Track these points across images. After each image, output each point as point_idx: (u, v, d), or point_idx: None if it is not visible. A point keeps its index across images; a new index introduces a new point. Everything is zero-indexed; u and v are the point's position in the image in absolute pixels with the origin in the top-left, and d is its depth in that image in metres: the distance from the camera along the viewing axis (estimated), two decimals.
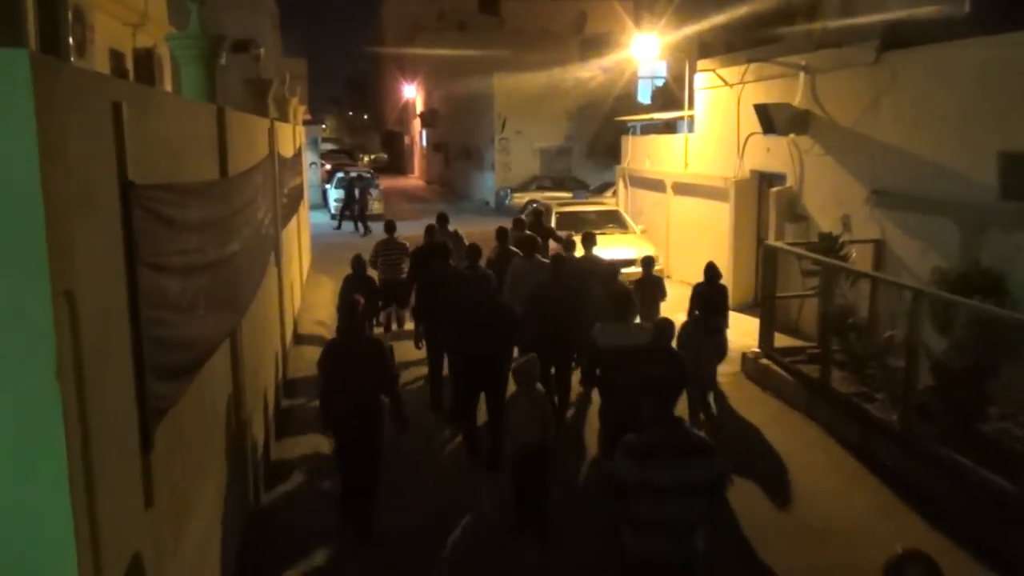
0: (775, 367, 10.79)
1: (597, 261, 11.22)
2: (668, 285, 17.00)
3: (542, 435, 6.80)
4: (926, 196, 10.42)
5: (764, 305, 11.67)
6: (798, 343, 11.59)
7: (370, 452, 6.71)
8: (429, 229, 12.69)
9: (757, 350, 11.37)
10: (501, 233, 11.88)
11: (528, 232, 12.76)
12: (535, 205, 20.66)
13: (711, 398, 9.63)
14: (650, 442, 4.62)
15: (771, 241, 12.54)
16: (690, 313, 10.14)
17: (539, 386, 7.07)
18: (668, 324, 7.86)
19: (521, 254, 10.85)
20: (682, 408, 8.35)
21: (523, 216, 16.78)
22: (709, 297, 9.84)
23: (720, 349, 9.66)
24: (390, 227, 13.55)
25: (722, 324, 9.87)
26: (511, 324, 8.39)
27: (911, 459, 7.90)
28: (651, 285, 11.57)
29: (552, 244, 13.93)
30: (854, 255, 11.26)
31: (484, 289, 8.56)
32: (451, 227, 13.81)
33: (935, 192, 10.26)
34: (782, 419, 9.85)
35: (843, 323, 10.16)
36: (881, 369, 9.36)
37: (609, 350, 7.42)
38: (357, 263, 11.61)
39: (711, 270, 10.16)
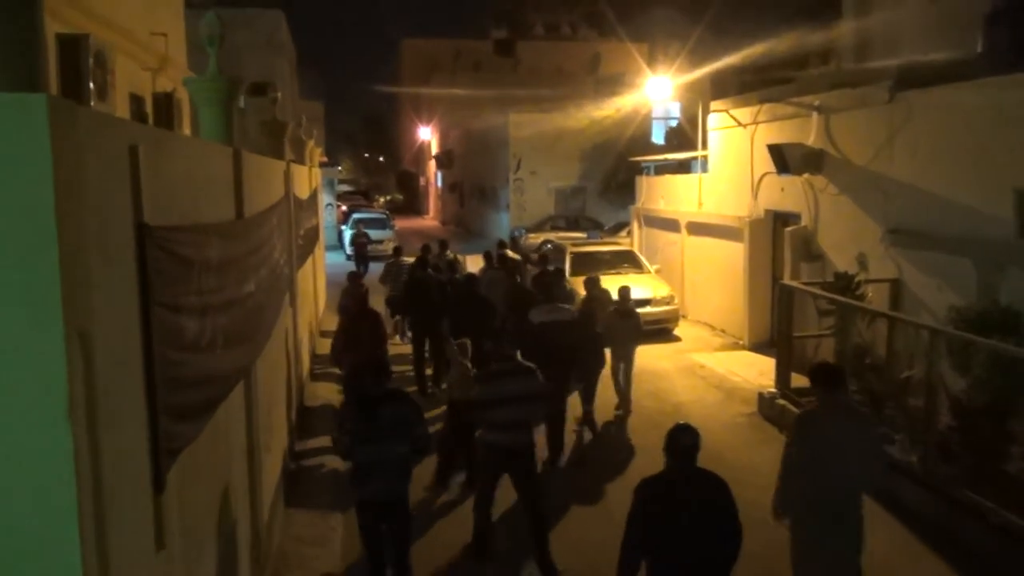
0: (792, 408, 10.68)
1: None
2: (683, 325, 17.07)
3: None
4: (942, 234, 10.38)
5: (780, 345, 11.59)
6: None
7: (399, 536, 6.57)
8: (424, 248, 14.97)
9: (773, 390, 11.27)
10: (487, 255, 15.43)
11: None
12: (550, 245, 20.71)
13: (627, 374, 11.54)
14: (490, 372, 7.59)
15: (786, 280, 12.49)
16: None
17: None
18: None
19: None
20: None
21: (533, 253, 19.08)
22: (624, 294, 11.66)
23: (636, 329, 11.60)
24: (397, 251, 16.61)
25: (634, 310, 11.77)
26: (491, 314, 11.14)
27: (932, 500, 7.78)
28: (626, 317, 11.54)
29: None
30: (870, 294, 11.19)
31: (465, 288, 12.05)
32: (449, 253, 16.62)
33: (951, 230, 10.21)
34: None
35: (861, 363, 10.06)
36: (900, 409, 9.26)
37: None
38: (351, 277, 13.19)
39: (623, 290, 11.73)
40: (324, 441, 9.20)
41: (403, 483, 6.50)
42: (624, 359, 11.62)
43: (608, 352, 11.24)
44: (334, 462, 9.06)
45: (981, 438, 7.85)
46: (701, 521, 4.80)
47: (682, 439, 4.90)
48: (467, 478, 8.97)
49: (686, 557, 4.76)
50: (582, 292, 13.28)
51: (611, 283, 13.68)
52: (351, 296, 12.18)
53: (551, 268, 14.77)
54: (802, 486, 5.76)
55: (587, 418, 10.77)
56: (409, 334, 13.74)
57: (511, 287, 13.57)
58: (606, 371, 11.23)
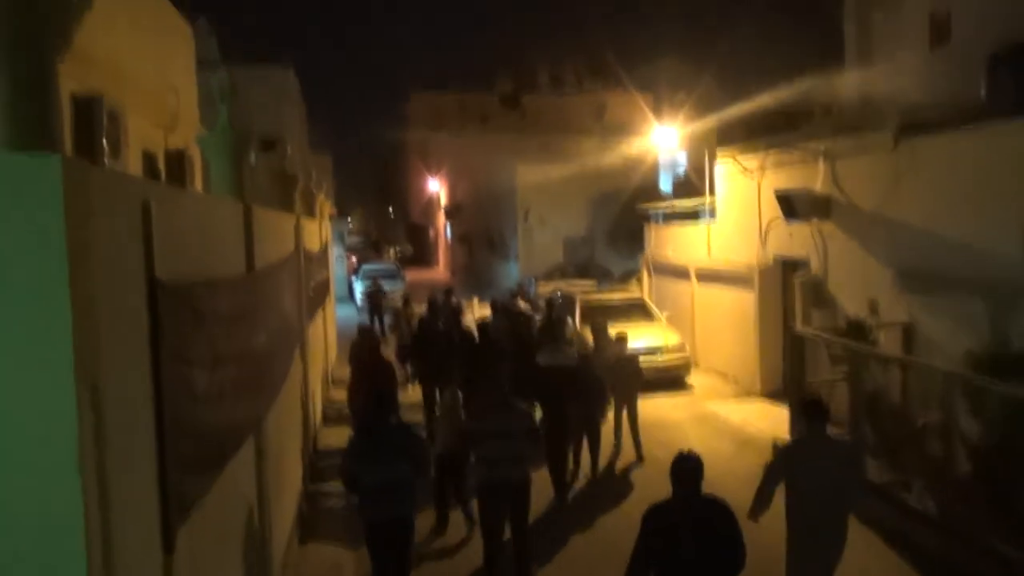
0: None
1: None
2: (695, 373, 16.96)
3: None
4: (953, 277, 10.35)
5: (793, 392, 11.50)
6: (830, 430, 11.36)
7: (401, 555, 7.03)
8: (431, 299, 15.80)
9: (788, 439, 11.15)
10: (493, 303, 16.47)
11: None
12: (559, 294, 20.72)
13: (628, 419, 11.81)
14: (481, 405, 8.05)
15: (798, 327, 12.44)
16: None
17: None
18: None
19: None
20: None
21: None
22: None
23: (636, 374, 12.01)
24: (407, 301, 17.86)
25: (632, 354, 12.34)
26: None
27: (952, 547, 7.64)
28: (624, 364, 11.97)
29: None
30: (883, 339, 11.13)
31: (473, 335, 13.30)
32: (454, 299, 17.13)
33: (962, 273, 10.18)
34: None
35: (875, 409, 9.97)
36: (917, 455, 9.14)
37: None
38: (361, 330, 13.39)
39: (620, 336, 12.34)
40: (337, 485, 9.35)
41: (407, 505, 6.99)
42: (627, 404, 11.87)
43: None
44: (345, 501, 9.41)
45: (1000, 482, 7.74)
46: (705, 545, 5.06)
47: (685, 465, 5.19)
48: (463, 517, 9.36)
49: None
50: (591, 339, 13.56)
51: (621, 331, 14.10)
52: (362, 347, 12.34)
53: (554, 316, 15.22)
54: (791, 508, 6.48)
55: (578, 457, 10.96)
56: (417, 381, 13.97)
57: (514, 334, 14.01)
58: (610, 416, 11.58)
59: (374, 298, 25.22)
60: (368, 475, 6.81)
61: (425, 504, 8.55)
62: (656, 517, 5.27)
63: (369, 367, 11.04)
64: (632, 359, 12.21)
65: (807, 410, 6.77)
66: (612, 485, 10.90)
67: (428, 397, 13.07)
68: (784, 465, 6.66)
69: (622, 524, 8.99)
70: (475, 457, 7.96)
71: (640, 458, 11.64)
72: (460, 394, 9.67)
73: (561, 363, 11.03)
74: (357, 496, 7.03)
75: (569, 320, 16.49)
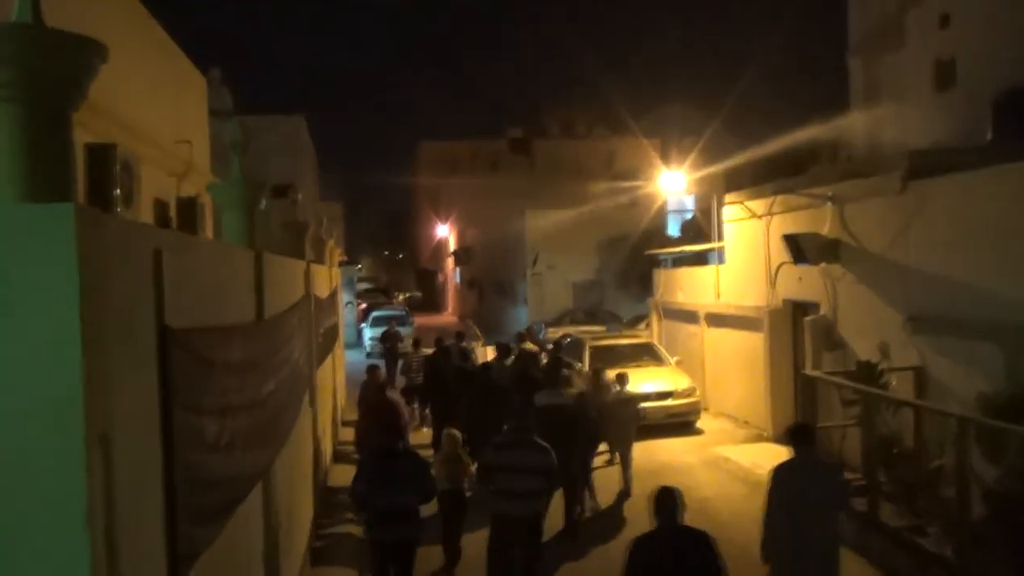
0: None
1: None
2: (705, 417, 16.86)
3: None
4: (963, 320, 10.30)
5: None
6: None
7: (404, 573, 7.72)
8: (438, 340, 16.27)
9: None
10: (498, 346, 16.29)
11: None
12: (569, 339, 20.69)
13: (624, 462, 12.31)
14: (506, 440, 8.08)
15: (808, 370, 12.37)
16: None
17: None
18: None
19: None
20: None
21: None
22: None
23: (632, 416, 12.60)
24: (416, 344, 17.93)
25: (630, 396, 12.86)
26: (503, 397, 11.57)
27: None
28: (623, 404, 12.49)
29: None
30: (895, 382, 11.06)
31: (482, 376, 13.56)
32: (463, 343, 17.84)
33: (973, 316, 10.14)
34: None
35: (889, 453, 9.87)
36: (932, 500, 9.03)
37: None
38: (370, 373, 13.15)
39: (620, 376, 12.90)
40: (349, 527, 10.04)
41: (413, 527, 7.67)
42: (622, 443, 12.42)
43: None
44: (356, 530, 9.85)
45: (1017, 526, 7.63)
46: (686, 571, 5.61)
47: (666, 499, 5.80)
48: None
49: None
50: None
51: (631, 376, 14.66)
52: (370, 386, 12.67)
53: (555, 358, 15.66)
54: (780, 525, 6.87)
55: (580, 494, 11.16)
56: (429, 419, 14.47)
57: (521, 374, 14.30)
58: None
59: (390, 341, 23.01)
60: (378, 499, 7.48)
61: (429, 539, 8.78)
62: (641, 547, 5.73)
63: (375, 405, 11.41)
64: (630, 400, 12.68)
65: (795, 434, 7.24)
66: (614, 520, 11.30)
67: (437, 438, 12.95)
68: (777, 488, 7.04)
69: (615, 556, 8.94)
70: (493, 489, 8.13)
71: (628, 493, 12.13)
72: (460, 435, 9.75)
73: (558, 402, 11.33)
74: (366, 516, 7.76)
75: (576, 363, 16.68)
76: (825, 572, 6.84)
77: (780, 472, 7.08)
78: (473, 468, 9.34)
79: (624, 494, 12.18)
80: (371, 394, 12.31)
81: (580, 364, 16.92)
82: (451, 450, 9.34)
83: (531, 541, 8.03)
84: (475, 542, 9.15)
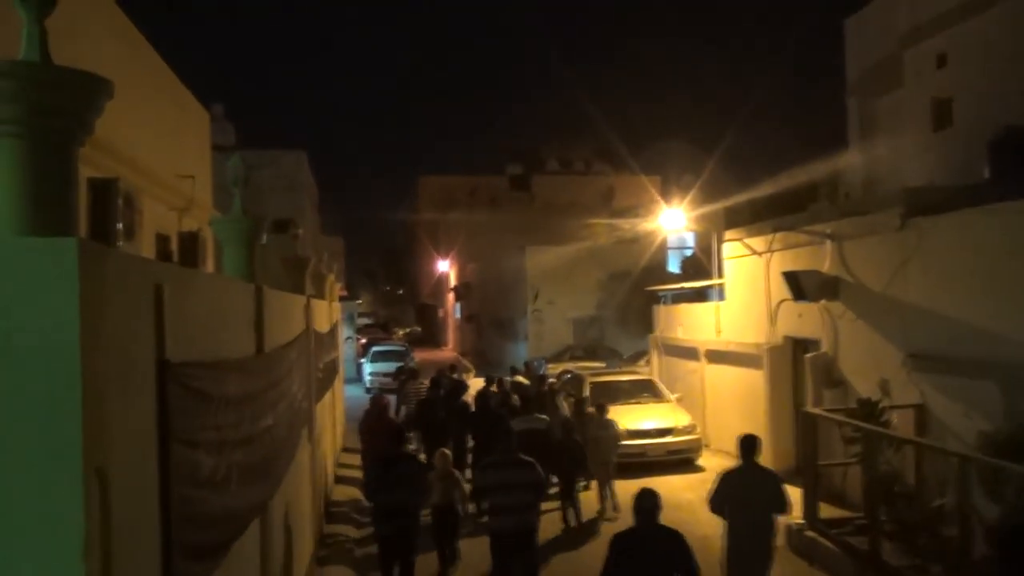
0: (822, 539, 10.36)
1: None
2: (706, 454, 16.77)
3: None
4: (964, 358, 10.29)
5: (806, 474, 11.34)
6: (844, 513, 11.17)
7: (405, 561, 8.86)
8: (435, 376, 17.43)
9: (802, 522, 10.96)
10: (488, 378, 17.63)
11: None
12: (569, 375, 20.65)
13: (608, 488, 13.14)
14: (494, 461, 8.82)
15: (809, 408, 12.34)
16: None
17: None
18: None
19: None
20: None
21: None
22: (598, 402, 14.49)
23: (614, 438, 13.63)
24: (413, 373, 18.75)
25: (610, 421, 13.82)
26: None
27: None
28: (603, 427, 13.52)
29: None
30: (895, 420, 11.02)
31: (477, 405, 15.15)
32: (455, 375, 18.88)
33: (973, 353, 10.13)
34: None
35: (890, 491, 9.81)
36: (934, 539, 8.96)
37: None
38: (373, 401, 13.82)
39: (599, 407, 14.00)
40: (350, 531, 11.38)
41: (411, 521, 8.79)
42: (603, 466, 13.25)
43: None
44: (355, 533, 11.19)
45: (1019, 565, 7.55)
46: (660, 565, 6.35)
47: (645, 503, 6.50)
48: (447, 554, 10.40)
49: None
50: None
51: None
52: (371, 414, 13.35)
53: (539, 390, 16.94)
54: (732, 520, 7.98)
55: (565, 511, 12.44)
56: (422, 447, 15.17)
57: (502, 403, 15.69)
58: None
59: (406, 377, 19.35)
60: (381, 496, 8.75)
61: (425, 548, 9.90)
62: (620, 541, 6.54)
63: (377, 428, 12.44)
64: (611, 425, 13.70)
65: (744, 445, 8.25)
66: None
67: (429, 460, 13.42)
68: (724, 486, 8.17)
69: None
70: (488, 507, 9.17)
71: (616, 508, 12.78)
72: (449, 455, 10.74)
73: (532, 427, 12.82)
74: (372, 509, 9.16)
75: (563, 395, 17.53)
76: (765, 558, 7.98)
77: (729, 476, 8.27)
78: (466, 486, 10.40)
79: (609, 510, 13.02)
80: (373, 412, 13.32)
81: (568, 396, 17.40)
82: (443, 468, 10.16)
83: (529, 552, 8.68)
84: (474, 547, 10.28)
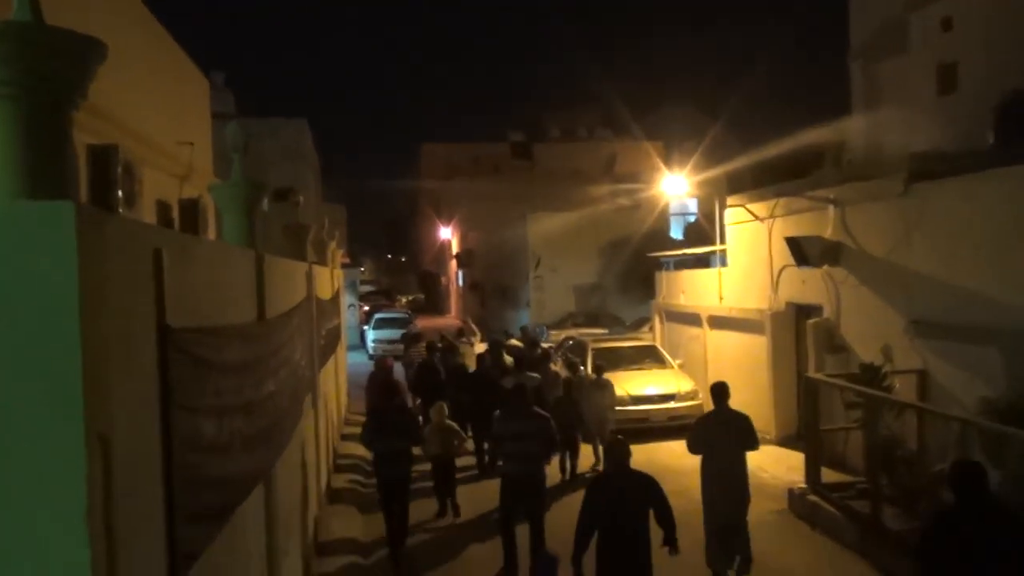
0: (824, 503, 10.42)
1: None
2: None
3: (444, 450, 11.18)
4: (966, 324, 10.28)
5: (808, 439, 11.39)
6: (846, 478, 11.23)
7: (401, 504, 9.84)
8: (429, 342, 18.52)
9: (804, 486, 11.02)
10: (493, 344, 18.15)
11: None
12: (571, 341, 20.67)
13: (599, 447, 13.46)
14: (508, 412, 9.57)
15: (811, 373, 12.35)
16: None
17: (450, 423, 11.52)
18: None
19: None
20: None
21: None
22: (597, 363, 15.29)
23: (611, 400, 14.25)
24: (416, 338, 19.99)
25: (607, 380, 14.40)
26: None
27: None
28: (599, 387, 14.08)
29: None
30: (897, 385, 11.03)
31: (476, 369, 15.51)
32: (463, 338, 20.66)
33: (975, 320, 10.11)
34: (834, 560, 9.45)
35: (891, 456, 9.85)
36: (934, 503, 8.99)
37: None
38: (378, 365, 14.97)
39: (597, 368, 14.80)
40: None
41: (404, 467, 9.86)
42: (600, 423, 13.71)
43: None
44: (355, 528, 11.10)
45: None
46: (634, 503, 7.07)
47: (615, 453, 7.27)
48: (450, 507, 11.63)
49: (624, 530, 6.99)
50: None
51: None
52: (377, 376, 14.21)
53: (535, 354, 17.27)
54: (706, 460, 8.98)
55: (562, 462, 13.16)
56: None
57: (495, 363, 16.43)
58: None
59: (410, 340, 20.40)
60: (379, 444, 9.78)
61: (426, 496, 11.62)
62: (596, 487, 7.39)
63: (382, 386, 12.74)
64: (607, 384, 14.22)
65: (715, 392, 9.12)
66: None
67: (425, 416, 14.13)
68: (700, 429, 9.17)
69: None
70: (501, 454, 10.31)
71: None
72: (445, 408, 11.70)
73: (520, 382, 13.05)
74: (372, 456, 10.13)
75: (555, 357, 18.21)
76: (740, 491, 8.80)
77: (704, 420, 9.38)
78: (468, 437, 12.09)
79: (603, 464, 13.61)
80: (379, 375, 14.04)
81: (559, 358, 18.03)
82: (439, 420, 11.24)
83: (536, 498, 9.29)
84: (472, 502, 11.73)
